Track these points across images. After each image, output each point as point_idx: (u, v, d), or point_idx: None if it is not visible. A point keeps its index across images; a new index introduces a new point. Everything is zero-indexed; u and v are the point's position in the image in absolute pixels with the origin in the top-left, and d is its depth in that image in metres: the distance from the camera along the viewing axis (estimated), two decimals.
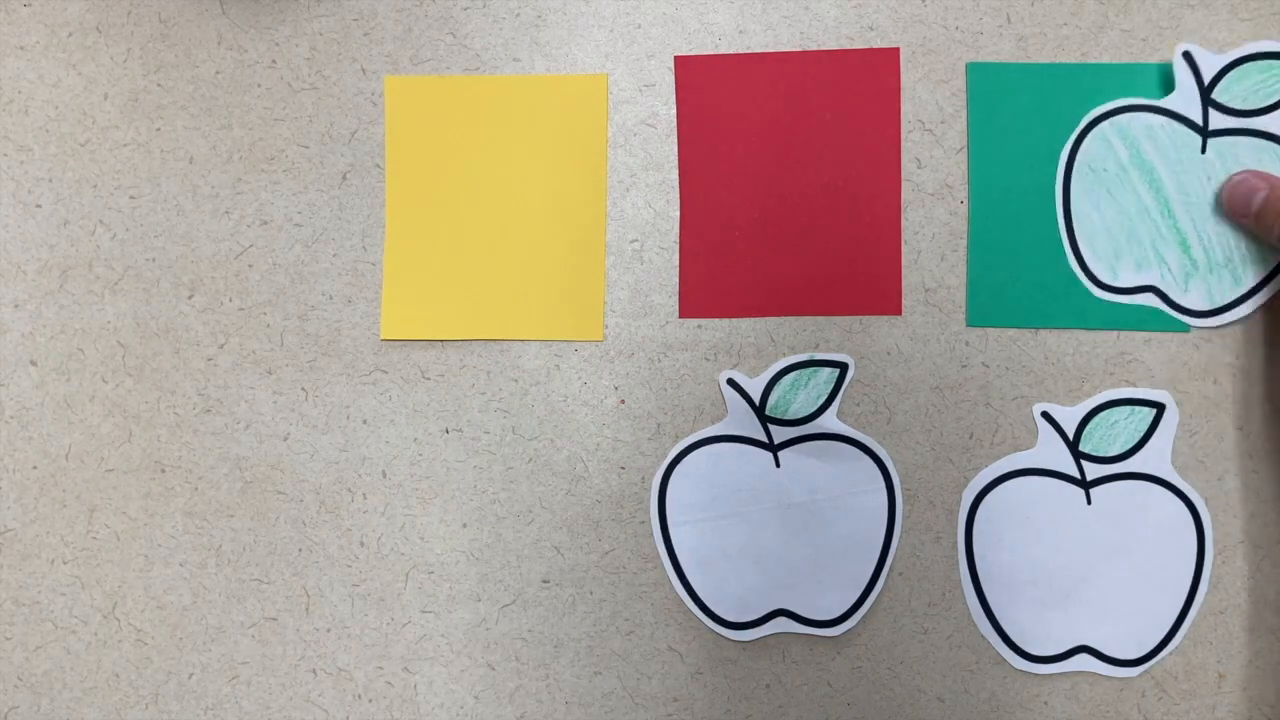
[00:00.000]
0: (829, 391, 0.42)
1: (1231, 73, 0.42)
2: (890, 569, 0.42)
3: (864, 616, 0.43)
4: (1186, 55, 0.42)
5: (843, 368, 0.42)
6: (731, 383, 0.42)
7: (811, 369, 0.42)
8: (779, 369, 0.42)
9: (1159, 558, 0.42)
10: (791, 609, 0.42)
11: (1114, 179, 0.43)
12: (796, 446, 0.42)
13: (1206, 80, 0.42)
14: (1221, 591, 0.42)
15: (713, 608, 0.43)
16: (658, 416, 0.43)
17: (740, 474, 0.43)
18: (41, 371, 0.44)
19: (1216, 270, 0.42)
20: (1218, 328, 0.42)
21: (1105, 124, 0.42)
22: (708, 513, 0.43)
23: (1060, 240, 0.43)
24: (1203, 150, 0.42)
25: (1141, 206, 0.43)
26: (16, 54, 0.45)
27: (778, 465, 0.42)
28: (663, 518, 0.43)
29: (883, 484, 0.42)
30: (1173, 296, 0.42)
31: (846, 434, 0.42)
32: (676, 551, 0.43)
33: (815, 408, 0.42)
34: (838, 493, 0.42)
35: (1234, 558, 0.42)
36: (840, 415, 0.43)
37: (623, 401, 0.43)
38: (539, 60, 0.44)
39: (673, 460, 0.43)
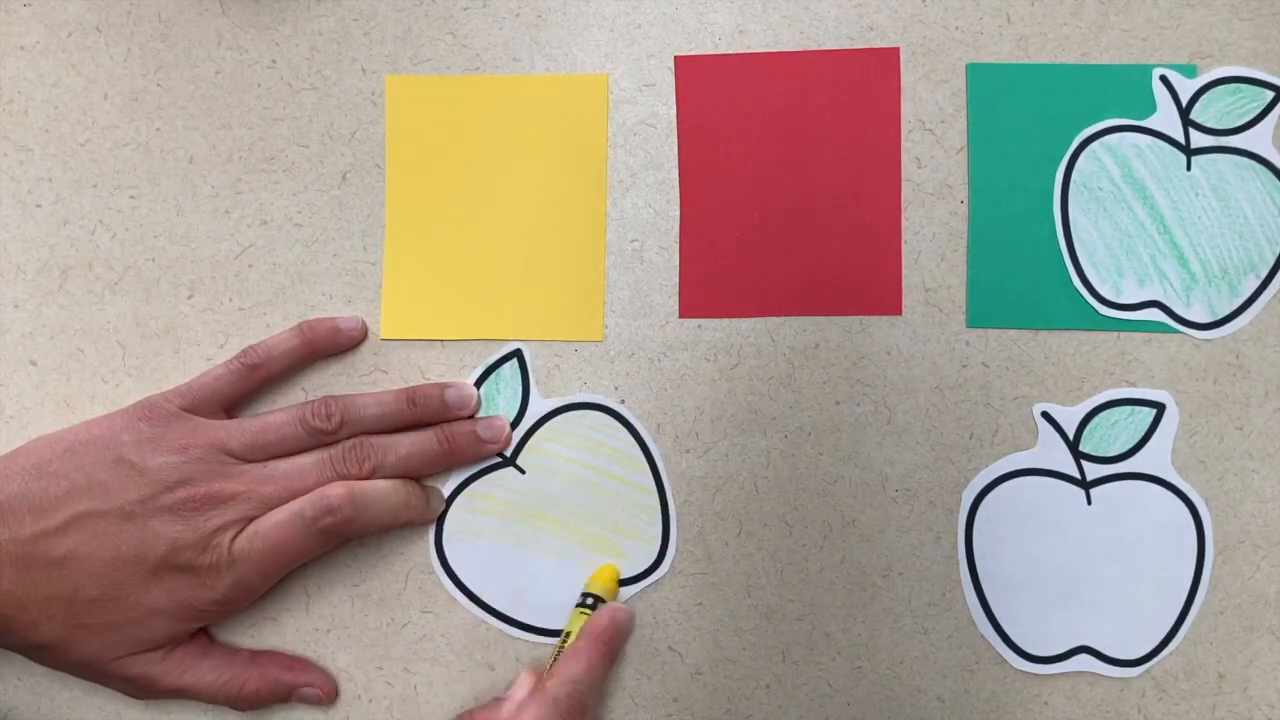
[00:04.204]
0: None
1: (1205, 95, 0.43)
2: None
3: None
4: (1163, 79, 0.43)
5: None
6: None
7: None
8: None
9: (1159, 558, 0.42)
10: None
11: (1109, 197, 0.43)
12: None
13: (1184, 102, 0.43)
14: (1221, 591, 0.42)
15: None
16: (658, 416, 0.43)
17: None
18: (41, 371, 0.44)
19: (1214, 282, 0.43)
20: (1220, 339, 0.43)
21: (1096, 144, 0.43)
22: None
23: (1061, 255, 0.43)
24: (1188, 168, 0.43)
25: (1138, 223, 0.43)
26: (16, 54, 0.45)
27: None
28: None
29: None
30: (1176, 310, 0.43)
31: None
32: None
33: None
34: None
35: (1234, 558, 0.42)
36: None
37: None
38: (539, 60, 0.44)
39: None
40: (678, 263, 0.44)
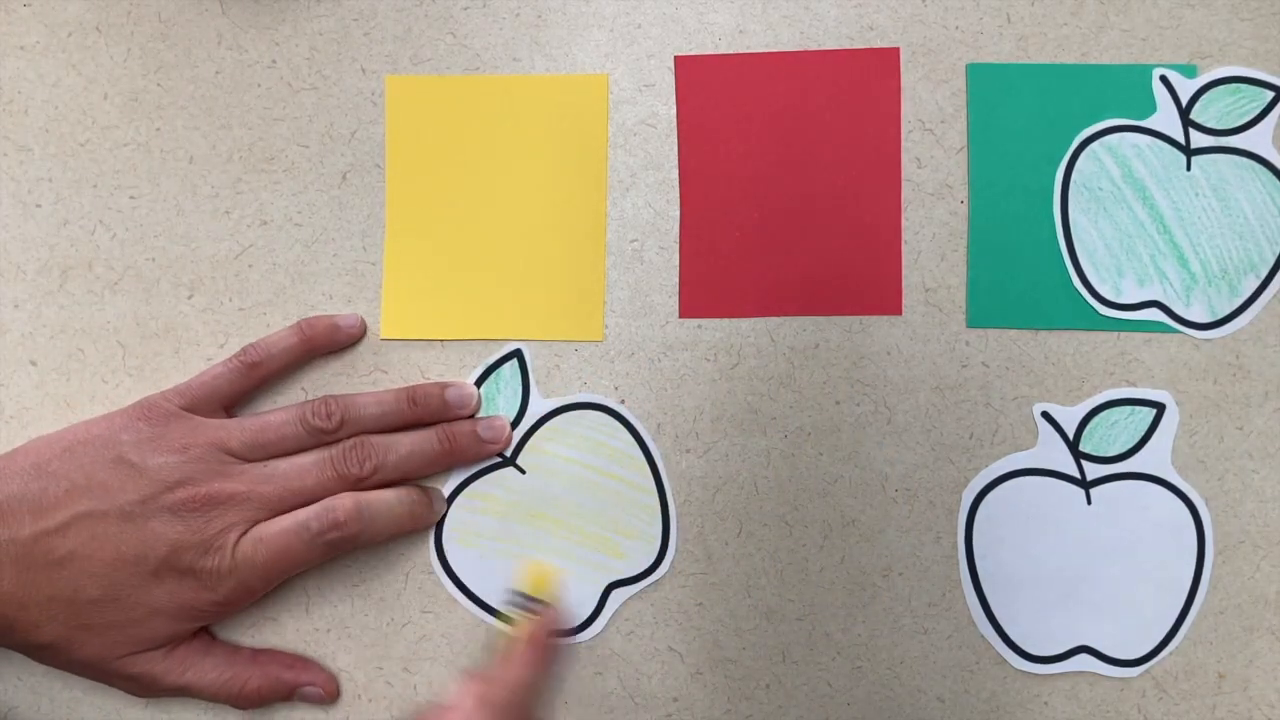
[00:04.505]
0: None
1: (1205, 95, 0.43)
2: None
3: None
4: (1163, 79, 0.43)
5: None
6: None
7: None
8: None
9: (1159, 558, 0.42)
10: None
11: (1109, 197, 0.43)
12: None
13: (1184, 102, 0.43)
14: (1221, 591, 0.42)
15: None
16: (658, 416, 0.43)
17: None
18: (41, 371, 0.44)
19: (1214, 282, 0.43)
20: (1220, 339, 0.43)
21: (1096, 144, 0.43)
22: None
23: (1061, 255, 0.43)
24: (1188, 168, 0.43)
25: (1138, 223, 0.43)
26: (16, 54, 0.45)
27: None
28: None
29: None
30: (1176, 310, 0.43)
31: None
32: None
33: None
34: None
35: (1234, 558, 0.42)
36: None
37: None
38: (539, 60, 0.44)
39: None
40: (678, 263, 0.44)
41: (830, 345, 0.43)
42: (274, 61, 0.45)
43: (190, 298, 0.44)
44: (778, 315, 0.43)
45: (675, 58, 0.44)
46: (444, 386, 0.43)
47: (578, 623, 0.43)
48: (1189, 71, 0.43)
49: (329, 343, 0.43)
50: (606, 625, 0.43)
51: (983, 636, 0.43)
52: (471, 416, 0.43)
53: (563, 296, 0.44)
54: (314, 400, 0.41)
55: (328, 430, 0.41)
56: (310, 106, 0.45)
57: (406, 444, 0.41)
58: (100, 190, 0.45)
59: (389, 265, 0.44)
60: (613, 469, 0.43)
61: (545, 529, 0.43)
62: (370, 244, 0.44)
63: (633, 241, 0.44)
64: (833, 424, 0.43)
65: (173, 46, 0.45)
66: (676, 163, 0.44)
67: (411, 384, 0.43)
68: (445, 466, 0.43)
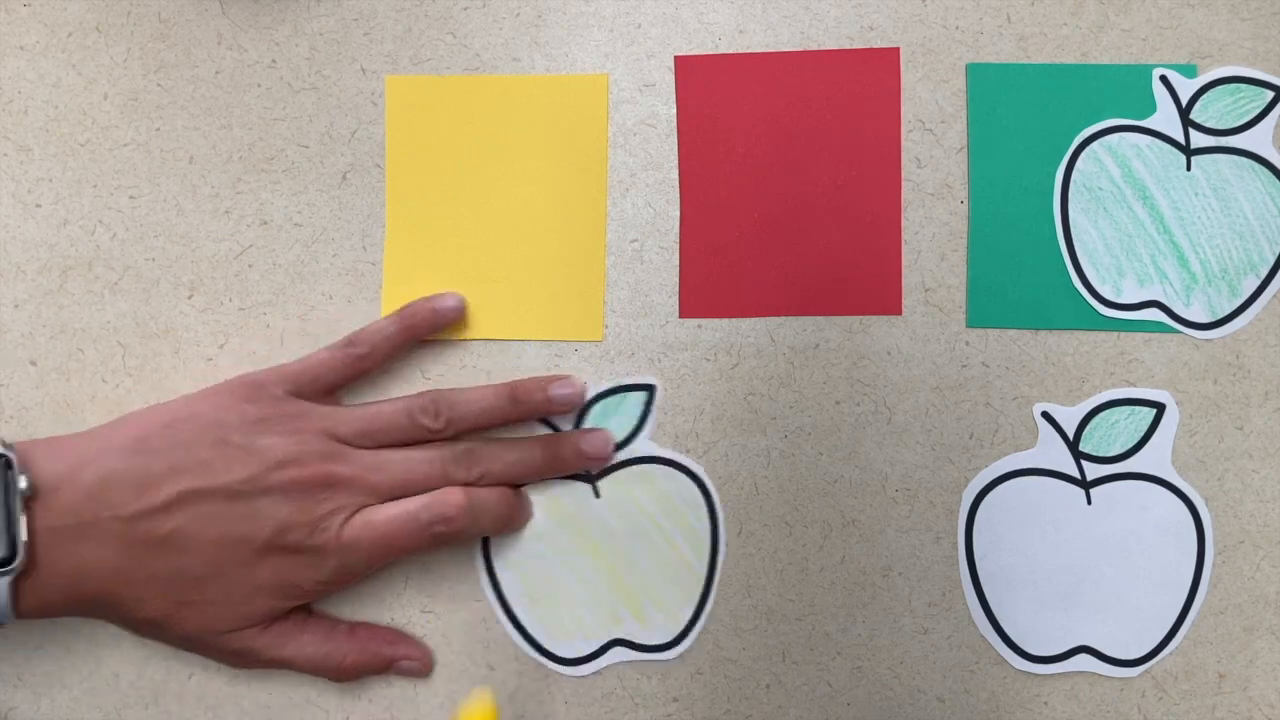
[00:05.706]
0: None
1: (1205, 95, 0.43)
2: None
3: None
4: (1163, 79, 0.43)
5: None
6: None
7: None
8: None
9: (1159, 558, 0.42)
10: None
11: (1109, 197, 0.43)
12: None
13: (1184, 102, 0.43)
14: (1221, 591, 0.42)
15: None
16: (658, 416, 0.43)
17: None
18: (41, 371, 0.44)
19: (1214, 282, 0.43)
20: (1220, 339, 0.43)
21: (1096, 144, 0.43)
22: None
23: (1061, 255, 0.43)
24: (1188, 168, 0.43)
25: (1138, 222, 0.43)
26: (16, 54, 0.45)
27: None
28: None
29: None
30: (1176, 310, 0.43)
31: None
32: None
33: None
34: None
35: (1234, 558, 0.42)
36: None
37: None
38: (539, 60, 0.44)
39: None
40: (678, 263, 0.44)
41: (830, 345, 0.43)
42: (274, 61, 0.45)
43: (190, 298, 0.44)
44: (778, 315, 0.43)
45: (675, 58, 0.44)
46: (547, 382, 0.42)
47: (574, 656, 0.43)
48: (1189, 71, 0.43)
49: (430, 327, 0.43)
50: (600, 670, 0.43)
51: (983, 636, 0.43)
52: (575, 409, 0.43)
53: (563, 296, 0.44)
54: (420, 396, 0.41)
55: (434, 430, 0.41)
56: (310, 106, 0.45)
57: (513, 455, 0.42)
58: (100, 190, 0.45)
59: (389, 265, 0.44)
60: (677, 539, 0.43)
61: (587, 554, 0.43)
62: (370, 244, 0.44)
63: (633, 241, 0.44)
64: (833, 424, 0.43)
65: (173, 46, 0.45)
66: (676, 163, 0.44)
67: (411, 384, 0.43)
68: (548, 476, 0.43)
